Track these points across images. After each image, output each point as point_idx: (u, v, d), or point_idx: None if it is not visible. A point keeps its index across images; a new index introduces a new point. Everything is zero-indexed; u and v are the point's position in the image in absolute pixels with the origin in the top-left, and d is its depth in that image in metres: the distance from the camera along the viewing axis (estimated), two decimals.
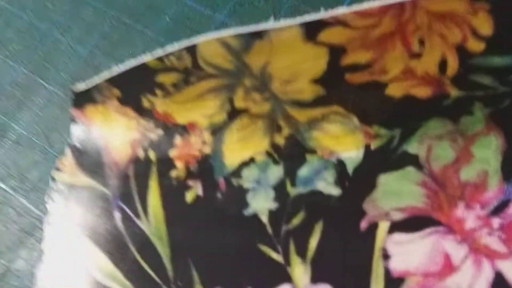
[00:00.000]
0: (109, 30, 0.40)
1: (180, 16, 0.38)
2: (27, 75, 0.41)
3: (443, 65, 0.28)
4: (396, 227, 0.28)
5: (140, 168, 0.35)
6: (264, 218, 0.31)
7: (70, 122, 0.37)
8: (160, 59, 0.32)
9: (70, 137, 0.37)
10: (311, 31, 0.29)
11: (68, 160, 0.36)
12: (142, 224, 0.33)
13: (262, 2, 0.36)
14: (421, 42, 0.27)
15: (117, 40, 0.39)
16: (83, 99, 0.36)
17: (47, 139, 0.39)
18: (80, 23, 0.42)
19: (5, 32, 0.44)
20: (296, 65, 0.30)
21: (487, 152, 0.27)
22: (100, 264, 0.33)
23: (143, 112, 0.35)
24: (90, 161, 0.36)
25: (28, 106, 0.40)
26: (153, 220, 0.33)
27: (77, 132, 0.37)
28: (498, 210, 0.26)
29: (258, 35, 0.30)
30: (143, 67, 0.32)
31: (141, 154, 0.35)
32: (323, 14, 0.28)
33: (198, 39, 0.30)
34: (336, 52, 0.29)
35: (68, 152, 0.36)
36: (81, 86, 0.36)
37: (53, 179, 0.36)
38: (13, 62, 0.43)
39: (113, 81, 0.34)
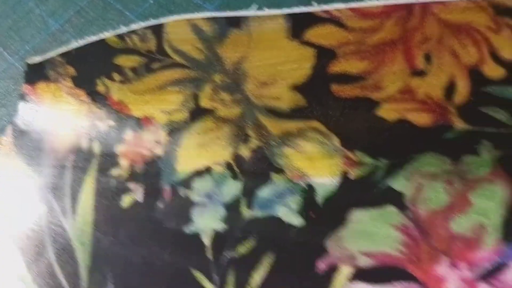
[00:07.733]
0: (86, 5, 0.36)
1: (165, 0, 0.34)
2: None
3: (450, 89, 0.24)
4: (360, 274, 0.24)
5: (80, 159, 0.30)
6: (206, 240, 0.27)
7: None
8: (121, 37, 0.28)
9: (16, 115, 0.32)
10: (299, 26, 0.26)
11: (7, 139, 0.32)
12: (66, 223, 0.29)
13: None
14: (428, 58, 0.25)
15: (92, 18, 0.36)
16: (36, 75, 0.33)
17: None
18: None
19: None
20: (276, 66, 0.27)
21: (488, 204, 0.23)
22: (14, 262, 0.29)
23: (96, 97, 0.31)
24: (29, 144, 0.32)
25: None
26: (80, 221, 0.29)
27: (24, 111, 0.33)
28: (490, 275, 0.22)
29: (236, 23, 0.26)
30: (102, 44, 0.29)
31: (84, 144, 0.31)
32: (314, 7, 0.23)
33: (166, 19, 0.26)
34: (324, 55, 0.26)
35: (9, 130, 0.32)
36: (36, 59, 0.31)
37: None
38: None
39: (69, 58, 0.31)
